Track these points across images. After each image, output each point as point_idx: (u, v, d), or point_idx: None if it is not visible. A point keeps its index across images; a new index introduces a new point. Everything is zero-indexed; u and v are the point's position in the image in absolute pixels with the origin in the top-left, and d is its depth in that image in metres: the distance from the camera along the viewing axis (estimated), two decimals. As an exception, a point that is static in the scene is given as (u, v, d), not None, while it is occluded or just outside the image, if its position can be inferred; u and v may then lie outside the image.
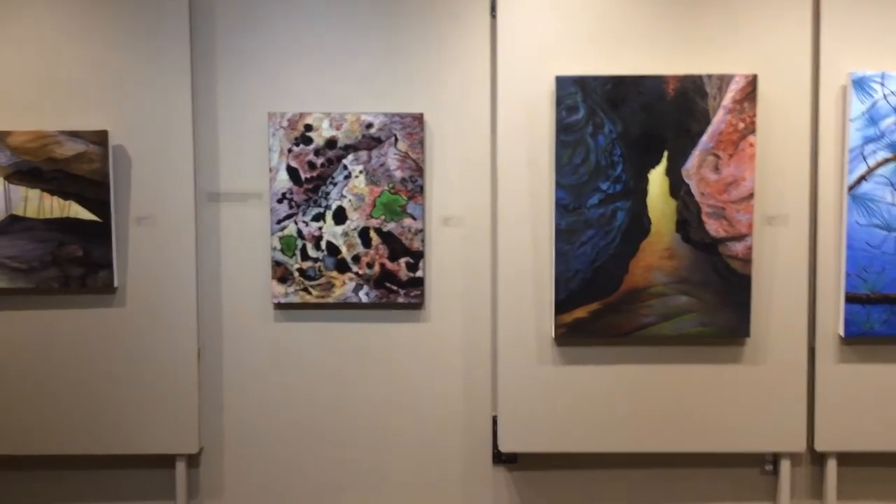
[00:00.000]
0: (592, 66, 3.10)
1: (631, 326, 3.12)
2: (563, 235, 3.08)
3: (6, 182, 3.08)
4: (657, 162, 3.08)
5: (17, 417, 3.13)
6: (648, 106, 3.06)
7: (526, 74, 3.11)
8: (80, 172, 3.09)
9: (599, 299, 3.11)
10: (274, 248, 3.16)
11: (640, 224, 3.09)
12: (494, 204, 3.15)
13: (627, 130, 3.06)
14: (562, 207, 3.08)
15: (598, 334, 3.12)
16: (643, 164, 3.08)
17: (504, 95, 3.12)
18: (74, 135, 3.08)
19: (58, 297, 3.06)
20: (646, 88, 3.06)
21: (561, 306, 3.09)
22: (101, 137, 3.08)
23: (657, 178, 3.08)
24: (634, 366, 3.18)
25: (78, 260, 3.10)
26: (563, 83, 3.06)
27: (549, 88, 3.09)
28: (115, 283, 3.05)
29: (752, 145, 3.05)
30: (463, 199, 3.15)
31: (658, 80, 3.06)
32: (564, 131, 3.07)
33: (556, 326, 3.08)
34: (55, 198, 3.09)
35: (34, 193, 3.08)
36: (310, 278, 3.19)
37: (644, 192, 3.09)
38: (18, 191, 3.08)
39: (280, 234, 3.17)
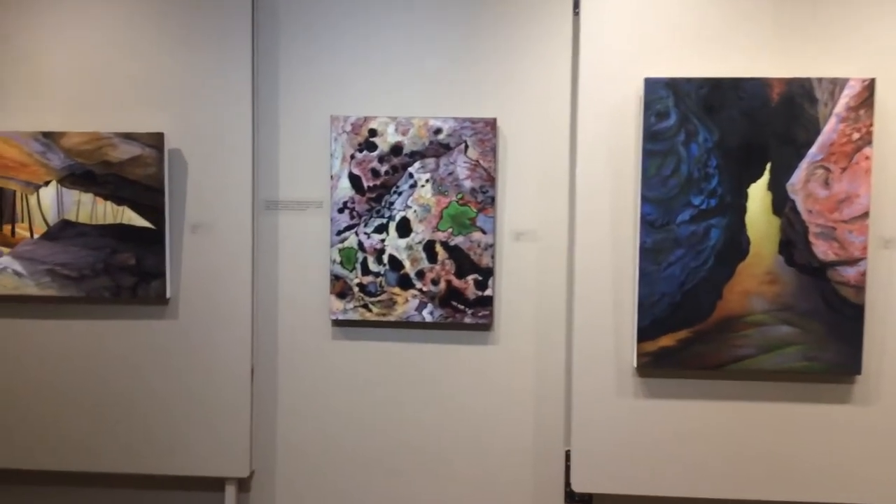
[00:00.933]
0: (686, 68, 2.80)
1: (724, 358, 2.79)
2: (649, 254, 2.78)
3: (59, 185, 2.94)
4: (758, 175, 2.75)
5: (63, 431, 2.99)
6: (749, 112, 2.74)
7: (611, 76, 2.82)
8: (135, 177, 2.93)
9: (689, 327, 2.79)
10: (333, 261, 2.94)
11: (737, 244, 2.76)
12: (572, 218, 2.87)
13: (725, 139, 2.74)
14: (648, 223, 2.77)
15: (686, 365, 2.80)
16: (742, 177, 2.75)
17: (586, 99, 2.84)
18: (129, 137, 2.93)
19: (108, 307, 2.93)
20: (746, 93, 2.74)
21: (644, 333, 2.78)
22: (157, 140, 2.93)
23: (758, 192, 2.75)
24: (726, 402, 2.85)
25: (130, 268, 2.95)
26: (652, 86, 2.76)
27: (637, 92, 2.80)
28: (168, 294, 2.88)
29: (867, 158, 2.69)
30: (537, 212, 2.88)
31: (761, 84, 2.73)
32: (653, 139, 2.76)
33: (639, 355, 2.77)
34: (108, 203, 2.94)
35: (87, 198, 2.94)
36: (370, 294, 2.96)
37: (742, 209, 2.76)
38: (71, 195, 2.94)
39: (340, 245, 2.95)
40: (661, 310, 2.79)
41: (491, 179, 2.92)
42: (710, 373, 2.82)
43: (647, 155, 2.77)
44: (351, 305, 2.97)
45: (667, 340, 2.80)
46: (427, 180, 2.93)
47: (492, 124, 2.91)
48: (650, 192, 2.78)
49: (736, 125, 2.74)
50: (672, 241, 2.78)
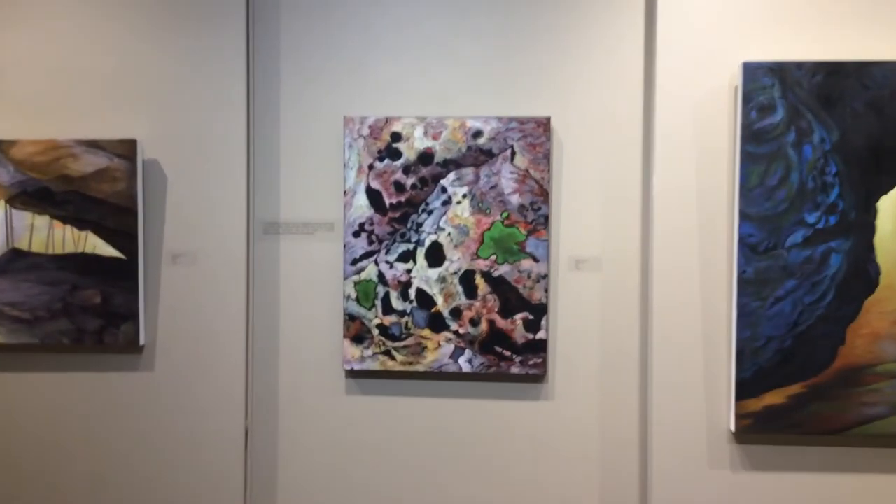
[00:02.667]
0: (795, 49, 2.22)
1: (848, 420, 2.19)
2: (750, 287, 2.17)
3: (7, 206, 2.37)
4: (891, 185, 2.16)
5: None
6: (878, 104, 2.15)
7: (698, 61, 2.25)
8: (101, 195, 2.36)
9: (802, 380, 2.19)
10: (348, 297, 2.35)
11: (863, 273, 2.16)
12: (647, 241, 2.34)
13: (847, 139, 2.15)
14: (748, 248, 2.17)
15: (800, 429, 2.21)
16: (870, 188, 2.16)
17: (665, 91, 2.26)
18: (94, 145, 2.37)
19: (68, 356, 2.49)
20: (874, 80, 2.15)
21: (745, 388, 2.18)
22: (128, 149, 2.36)
23: (890, 207, 2.15)
24: (851, 475, 2.24)
25: (95, 309, 2.37)
26: (752, 73, 2.17)
27: (731, 81, 2.23)
28: (142, 340, 2.34)
29: None
30: (603, 233, 2.38)
31: (894, 69, 2.13)
32: (754, 140, 2.17)
33: (738, 416, 2.17)
34: (68, 227, 2.37)
35: (42, 221, 2.37)
36: (394, 338, 2.36)
37: (871, 228, 2.16)
38: (23, 217, 2.37)
39: (356, 277, 2.36)
40: (766, 358, 2.19)
41: (544, 194, 2.32)
42: (829, 438, 2.24)
43: (747, 160, 2.17)
44: (369, 352, 2.38)
45: (774, 397, 2.20)
46: (464, 195, 2.33)
47: (544, 125, 2.32)
48: (751, 208, 2.18)
49: (861, 121, 2.15)
50: (780, 269, 2.18)
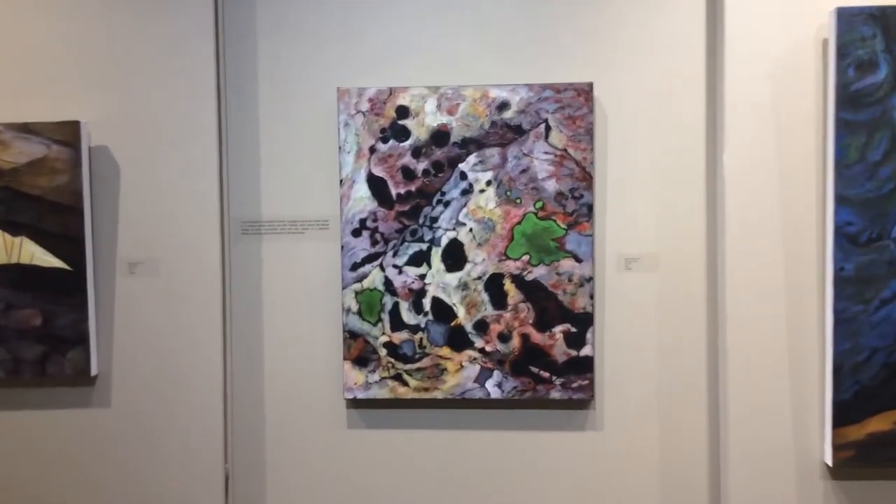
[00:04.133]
0: (900, -9, 1.78)
1: (973, 448, 1.76)
2: (850, 288, 1.76)
3: (-81, 207, 1.91)
4: None
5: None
6: None
7: (775, 10, 1.84)
8: (38, 191, 1.91)
9: (916, 400, 1.77)
10: (347, 310, 1.92)
11: None
12: (715, 234, 1.96)
13: (968, 101, 1.73)
14: (846, 239, 1.76)
15: (913, 461, 1.78)
16: None
17: (735, 49, 1.85)
18: (27, 129, 1.91)
19: (3, 391, 2.08)
20: None
21: (844, 412, 1.80)
22: (70, 134, 1.91)
23: None
24: (976, 516, 1.81)
25: (35, 332, 1.93)
26: (847, 21, 1.76)
27: (820, 32, 1.82)
28: (94, 370, 1.94)
29: None
30: (659, 225, 1.99)
31: None
32: (851, 105, 1.76)
33: (835, 447, 1.79)
34: (-2, 232, 1.91)
35: (-36, 225, 1.91)
36: (405, 359, 1.93)
37: None
38: (-60, 221, 1.90)
39: (357, 286, 1.93)
40: (869, 375, 1.78)
41: (587, 178, 1.89)
42: (950, 472, 1.79)
43: (843, 130, 1.75)
44: (376, 377, 1.93)
45: (880, 423, 1.80)
46: (488, 182, 1.90)
47: (586, 93, 1.89)
48: (849, 190, 1.75)
49: None
50: (886, 264, 1.77)
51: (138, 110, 1.98)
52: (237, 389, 2.06)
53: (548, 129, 1.93)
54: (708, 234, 1.96)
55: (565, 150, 1.93)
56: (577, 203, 1.94)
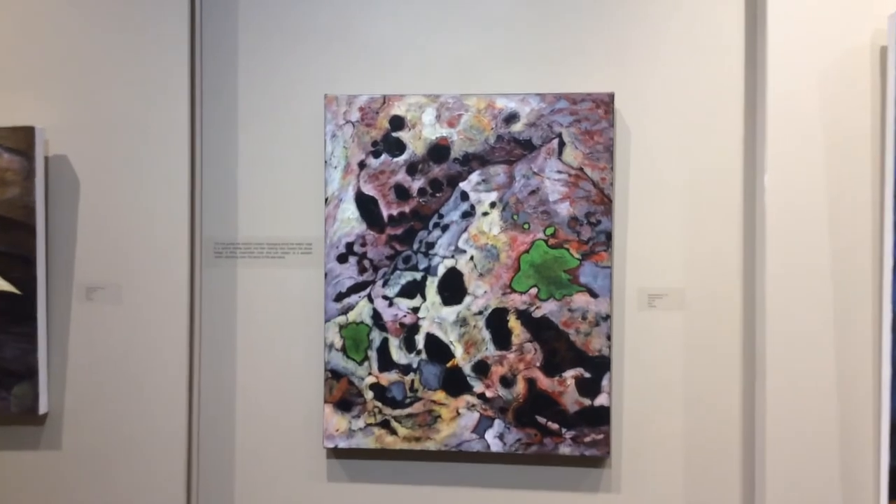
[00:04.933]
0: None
1: None
2: (913, 334, 1.50)
3: None
4: None
5: None
6: None
7: (823, 17, 1.59)
8: (-14, 204, 1.69)
9: None
10: (331, 346, 1.71)
11: None
12: (753, 266, 1.72)
13: None
14: (908, 276, 1.50)
15: None
16: None
17: (778, 58, 1.63)
18: (-26, 135, 1.70)
19: None
20: None
21: (906, 481, 1.50)
22: (23, 141, 1.70)
23: None
24: None
25: (-24, 363, 1.70)
26: (912, 25, 1.51)
27: (875, 39, 1.59)
28: (43, 408, 1.75)
29: None
30: (689, 256, 1.75)
31: None
32: (916, 122, 1.50)
33: None
34: (-61, 250, 1.70)
35: None
36: (395, 403, 1.71)
37: None
38: None
39: (342, 319, 1.72)
40: (936, 437, 1.50)
41: (605, 201, 1.65)
42: None
43: (906, 149, 1.50)
44: (360, 423, 1.70)
45: (949, 495, 1.50)
46: (493, 204, 1.66)
47: (606, 104, 1.65)
48: (913, 219, 1.50)
49: None
50: (957, 308, 1.49)
51: (102, 116, 1.77)
52: (204, 434, 1.81)
53: (561, 144, 1.70)
54: (745, 267, 1.71)
55: (581, 168, 1.69)
56: (593, 230, 1.69)
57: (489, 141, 1.71)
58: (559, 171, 1.70)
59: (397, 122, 1.73)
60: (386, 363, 1.74)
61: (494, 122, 1.71)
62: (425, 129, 1.72)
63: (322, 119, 1.76)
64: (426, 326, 1.74)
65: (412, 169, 1.73)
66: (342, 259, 1.75)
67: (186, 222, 1.77)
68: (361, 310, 1.74)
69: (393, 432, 1.74)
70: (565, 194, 1.70)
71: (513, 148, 1.71)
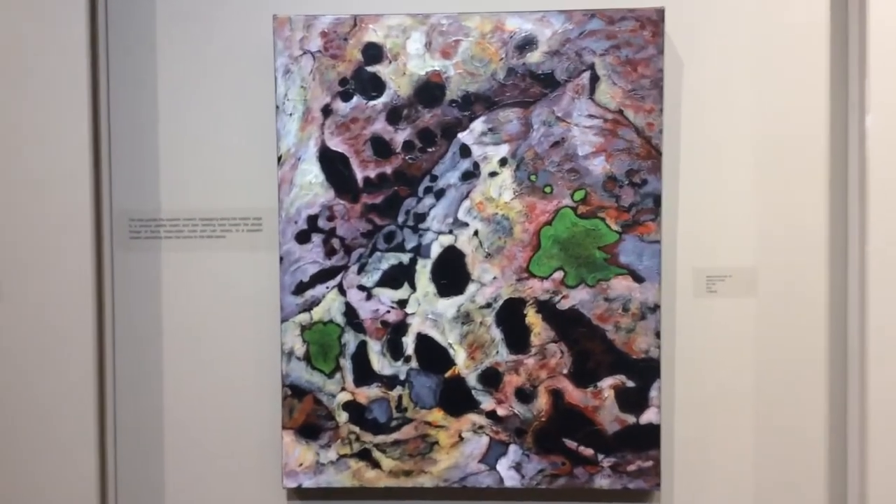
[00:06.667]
0: None
1: None
2: None
3: None
4: None
5: None
6: None
7: None
8: None
9: None
10: (289, 353, 1.32)
11: None
12: (842, 242, 1.32)
13: None
14: None
15: None
16: None
17: None
18: None
19: None
20: None
21: None
22: None
23: None
24: None
25: None
26: None
27: None
28: None
29: None
30: (761, 229, 1.33)
31: None
32: None
33: None
34: None
35: None
36: (376, 427, 1.34)
37: None
38: None
39: (304, 317, 1.32)
40: None
41: (653, 155, 1.24)
42: None
43: None
44: (332, 455, 1.29)
45: None
46: (503, 161, 1.24)
47: (654, 24, 1.24)
48: None
49: None
50: None
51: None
52: (123, 475, 1.36)
53: (594, 79, 1.28)
54: (832, 242, 1.31)
55: (620, 111, 1.28)
56: (637, 193, 1.28)
57: (497, 76, 1.28)
58: (591, 116, 1.28)
59: (373, 52, 1.28)
60: (364, 375, 1.31)
61: (504, 50, 1.28)
62: (411, 62, 1.28)
63: (271, 49, 1.30)
64: (417, 325, 1.31)
65: (394, 115, 1.29)
66: (303, 238, 1.30)
67: (89, 192, 1.30)
68: (330, 305, 1.31)
69: (375, 465, 1.32)
70: (599, 146, 1.28)
71: (529, 85, 1.28)
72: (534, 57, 1.28)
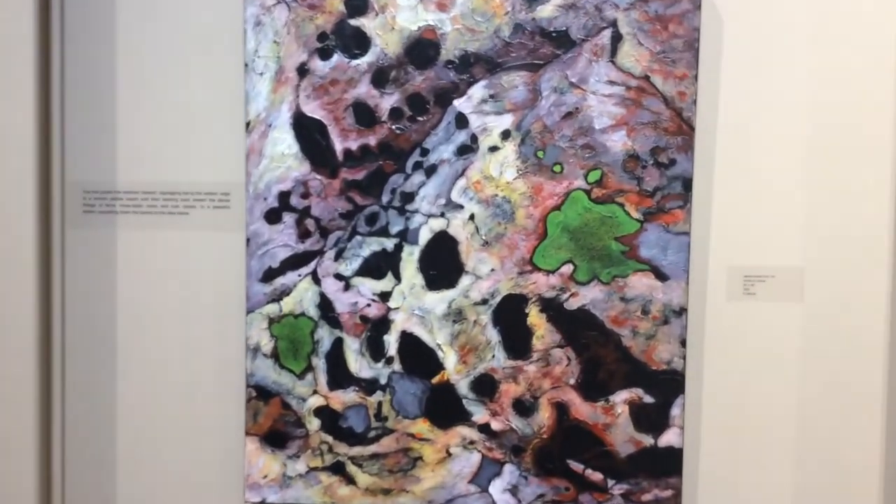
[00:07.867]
0: None
1: None
2: None
3: None
4: None
5: None
6: None
7: None
8: None
9: None
10: (254, 349, 1.15)
11: None
12: None
13: None
14: None
15: None
16: None
17: None
18: None
19: None
20: None
21: None
22: None
23: None
24: None
25: None
26: None
27: None
28: None
29: None
30: (809, 223, 1.12)
31: None
32: None
33: None
34: None
35: None
36: (352, 437, 1.17)
37: None
38: None
39: (272, 308, 1.15)
40: None
41: (684, 131, 1.04)
42: None
43: None
44: (302, 467, 1.13)
45: None
46: (506, 134, 1.05)
47: (689, -25, 1.04)
48: None
49: None
50: None
51: None
52: (71, 484, 1.21)
53: (616, 39, 1.08)
54: (895, 239, 1.11)
55: (646, 77, 1.08)
56: (663, 175, 1.09)
57: (501, 33, 1.09)
58: (611, 82, 1.09)
59: (357, 3, 1.10)
60: (339, 377, 1.14)
61: (510, 2, 1.09)
62: (401, 15, 1.10)
63: (240, 2, 1.13)
64: (401, 322, 1.13)
65: (381, 77, 1.11)
66: (273, 217, 1.13)
67: (32, 159, 1.14)
68: (302, 295, 1.14)
69: (350, 481, 1.15)
70: (620, 118, 1.09)
71: (538, 45, 1.09)
72: (545, 11, 1.09)
